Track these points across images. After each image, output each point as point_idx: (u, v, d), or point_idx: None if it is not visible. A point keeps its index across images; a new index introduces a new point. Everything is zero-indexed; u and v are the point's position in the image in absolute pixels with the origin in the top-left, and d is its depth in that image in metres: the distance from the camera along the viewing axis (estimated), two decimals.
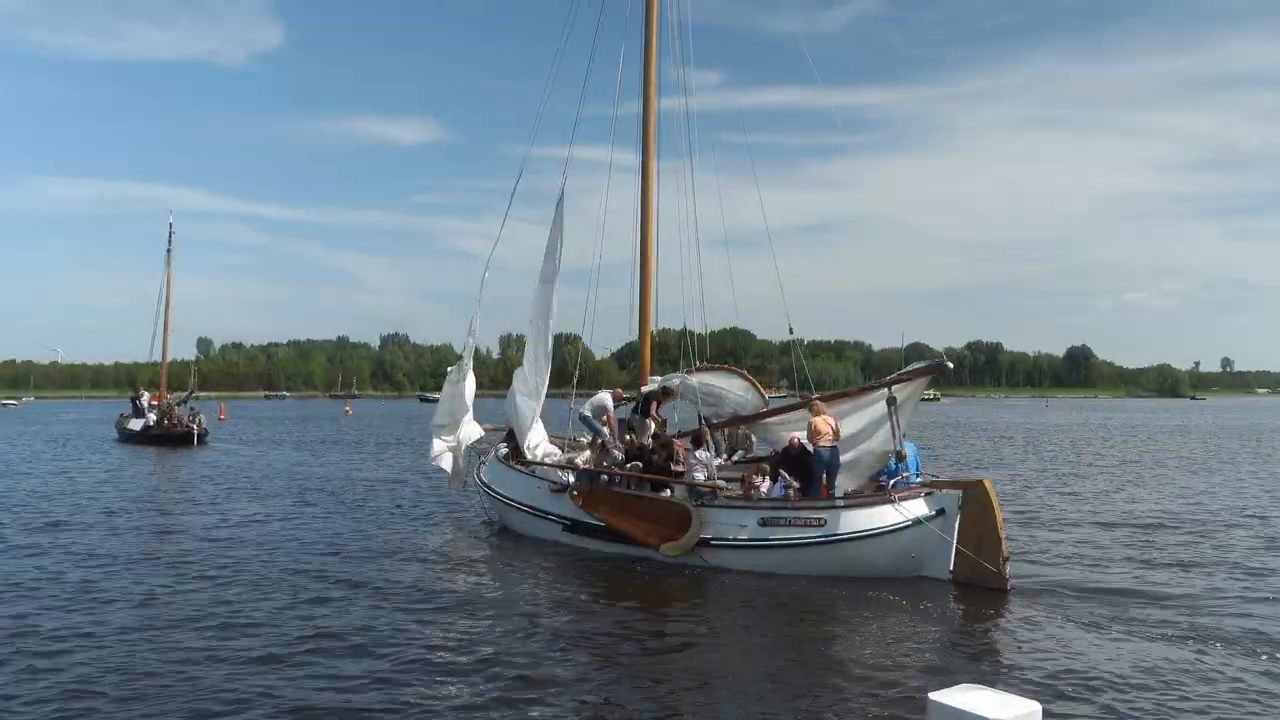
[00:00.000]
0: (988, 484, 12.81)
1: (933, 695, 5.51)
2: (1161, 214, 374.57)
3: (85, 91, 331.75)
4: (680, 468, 15.11)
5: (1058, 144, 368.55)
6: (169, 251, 49.93)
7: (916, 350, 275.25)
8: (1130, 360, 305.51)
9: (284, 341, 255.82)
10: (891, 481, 13.32)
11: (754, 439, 16.93)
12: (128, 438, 46.46)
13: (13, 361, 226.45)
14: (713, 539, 13.86)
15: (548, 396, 18.27)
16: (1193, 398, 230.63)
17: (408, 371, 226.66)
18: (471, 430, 19.75)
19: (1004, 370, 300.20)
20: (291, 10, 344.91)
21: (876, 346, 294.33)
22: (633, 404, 17.83)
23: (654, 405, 17.42)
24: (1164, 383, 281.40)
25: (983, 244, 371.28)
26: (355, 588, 12.96)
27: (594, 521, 15.32)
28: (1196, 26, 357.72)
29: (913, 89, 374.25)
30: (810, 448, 14.19)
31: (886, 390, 13.86)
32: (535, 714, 8.12)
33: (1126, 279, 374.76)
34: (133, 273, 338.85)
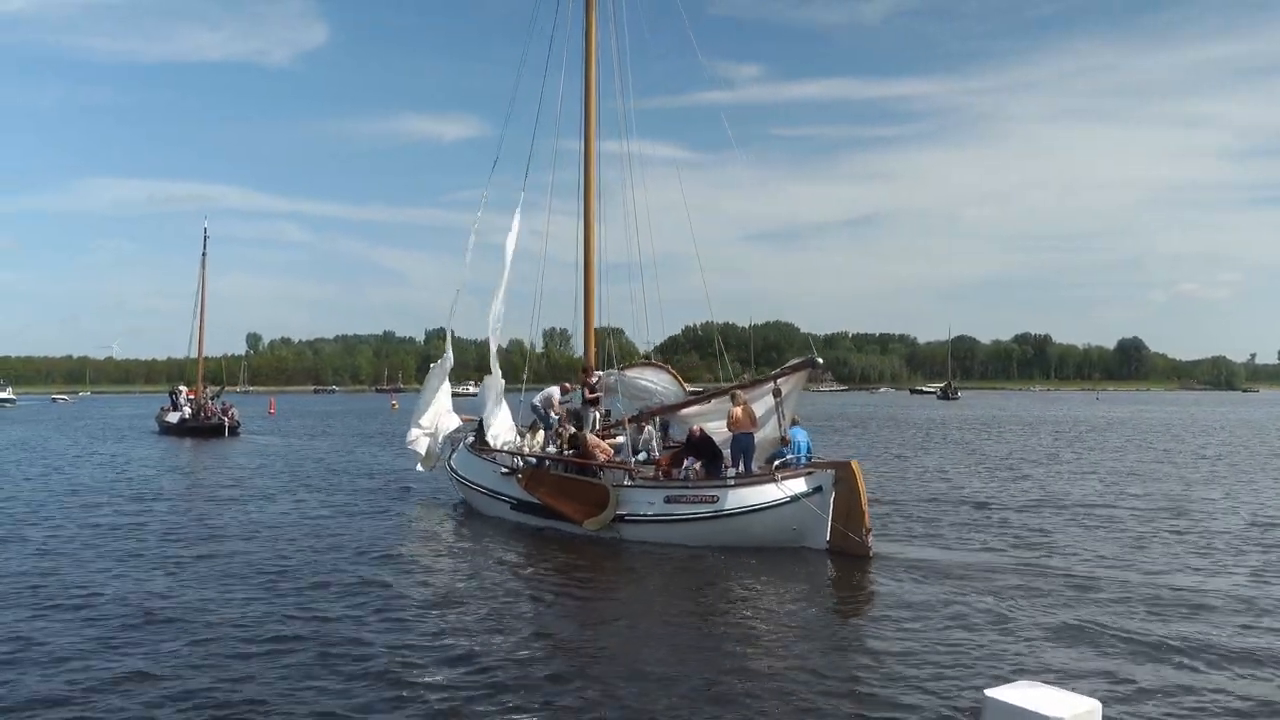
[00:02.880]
0: (854, 465, 14.43)
1: (989, 692, 5.34)
2: (1216, 203, 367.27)
3: (136, 94, 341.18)
4: (605, 456, 16.91)
5: (1107, 133, 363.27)
6: (204, 255, 52.93)
7: (963, 343, 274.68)
8: (1184, 353, 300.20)
9: (331, 337, 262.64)
10: (775, 463, 15.02)
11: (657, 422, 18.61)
12: (166, 430, 49.41)
13: (69, 358, 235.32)
14: (627, 515, 15.64)
15: (507, 390, 20.20)
16: (1245, 390, 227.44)
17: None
18: (449, 420, 21.73)
19: (1053, 363, 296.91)
20: (335, 10, 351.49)
21: (922, 340, 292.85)
22: (575, 394, 19.63)
23: (595, 396, 19.21)
24: (1218, 375, 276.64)
25: (1030, 235, 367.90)
26: (318, 552, 15.10)
27: (534, 500, 17.22)
28: (1248, 12, 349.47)
29: (956, 80, 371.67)
30: (726, 433, 15.98)
31: (773, 384, 15.55)
32: (466, 680, 9.00)
33: (1180, 269, 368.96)
34: (184, 271, 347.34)
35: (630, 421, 17.39)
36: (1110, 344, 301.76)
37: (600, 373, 19.25)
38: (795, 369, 15.74)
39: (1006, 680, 8.19)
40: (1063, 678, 8.38)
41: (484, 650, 9.75)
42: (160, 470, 29.62)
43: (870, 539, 14.09)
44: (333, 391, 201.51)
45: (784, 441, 15.29)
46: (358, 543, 15.95)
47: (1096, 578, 12.92)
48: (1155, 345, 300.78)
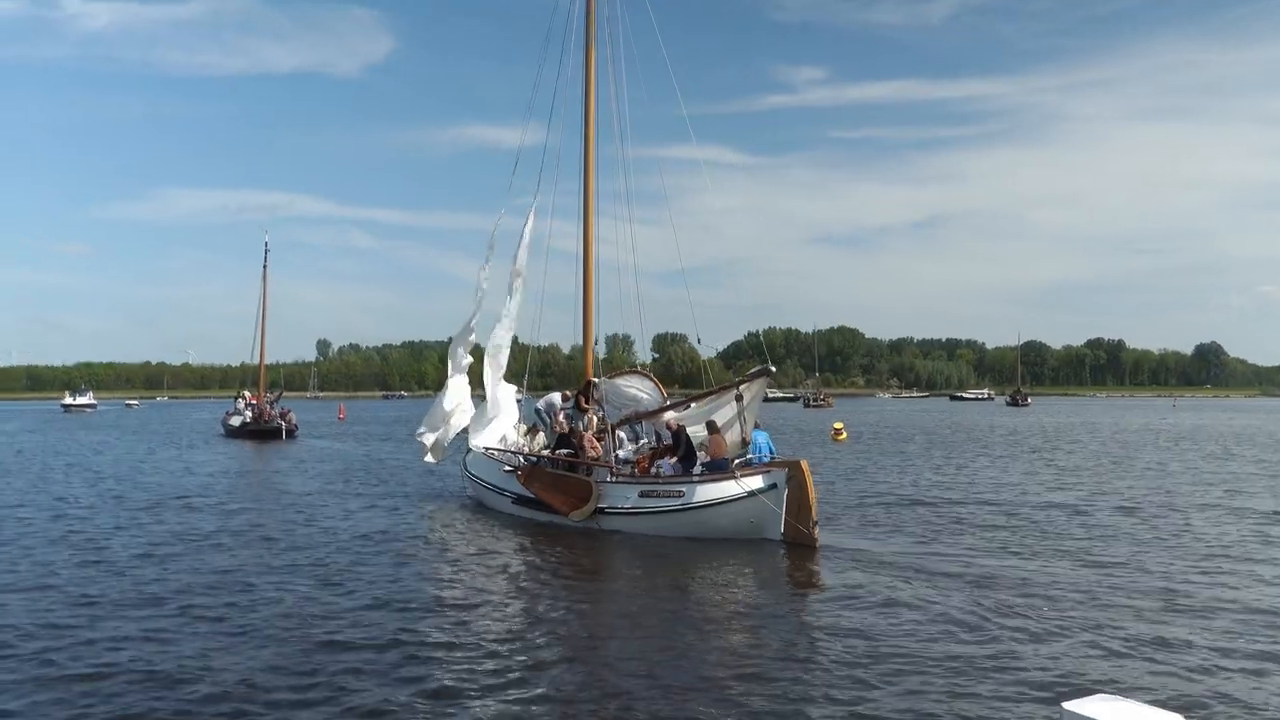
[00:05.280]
0: (804, 464, 15.77)
1: (1067, 705, 5.32)
2: None
3: (212, 106, 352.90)
4: (594, 452, 18.55)
5: (1184, 132, 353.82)
6: (265, 266, 56.00)
7: (1033, 349, 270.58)
8: (1265, 357, 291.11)
9: (398, 343, 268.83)
10: (736, 461, 16.50)
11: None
12: (230, 433, 52.61)
13: (148, 363, 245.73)
14: (607, 508, 17.26)
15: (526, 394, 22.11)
16: None
17: (516, 370, 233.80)
18: (461, 417, 23.50)
19: (1127, 369, 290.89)
20: (400, 22, 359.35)
21: (990, 345, 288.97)
22: (572, 400, 21.25)
23: (588, 401, 20.84)
24: None
25: (1104, 238, 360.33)
26: (335, 534, 17.05)
27: (530, 495, 18.94)
28: None
29: (1025, 79, 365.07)
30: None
31: (735, 390, 17.10)
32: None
33: (1260, 271, 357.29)
34: (257, 278, 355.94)
35: (614, 427, 18.99)
36: (1187, 349, 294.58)
37: (595, 380, 20.87)
38: (754, 377, 17.27)
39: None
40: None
41: (468, 629, 10.87)
42: (216, 470, 32.12)
43: (816, 531, 15.46)
44: (401, 397, 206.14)
45: (744, 442, 16.78)
46: (371, 532, 17.72)
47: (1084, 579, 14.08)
48: (1234, 350, 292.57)
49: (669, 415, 18.45)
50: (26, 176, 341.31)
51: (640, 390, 19.98)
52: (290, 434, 49.52)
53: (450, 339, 24.42)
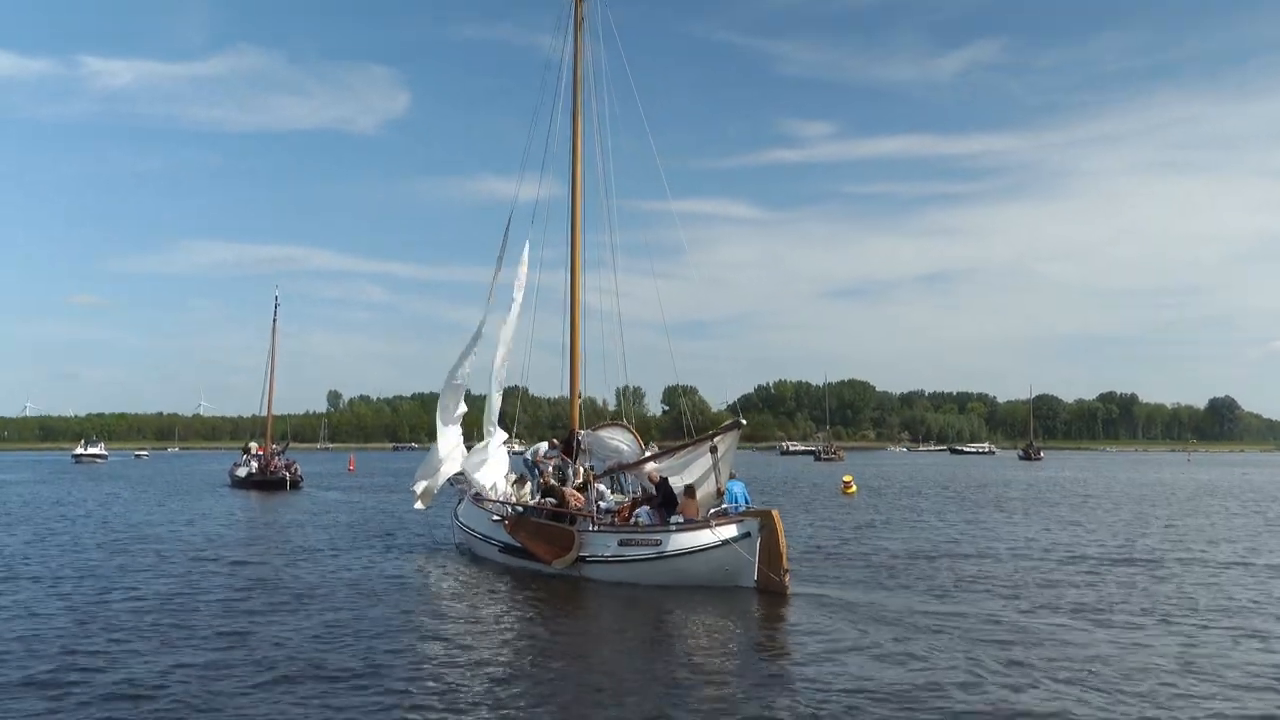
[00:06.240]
0: (775, 513, 16.24)
1: None
2: None
3: (231, 160, 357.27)
4: (577, 504, 19.05)
5: (1194, 186, 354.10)
6: (274, 321, 57.15)
7: (1045, 402, 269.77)
8: None
9: (409, 394, 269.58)
10: (711, 511, 17.01)
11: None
12: (236, 484, 53.25)
13: (160, 414, 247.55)
14: (588, 556, 17.72)
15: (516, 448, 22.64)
16: None
17: (526, 423, 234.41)
18: (451, 465, 24.06)
19: (1140, 423, 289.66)
20: (417, 79, 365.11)
21: (1001, 398, 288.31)
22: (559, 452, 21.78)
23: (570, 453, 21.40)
24: None
25: (1114, 291, 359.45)
26: (332, 583, 17.46)
27: (516, 543, 19.42)
28: None
29: (1033, 135, 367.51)
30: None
31: (710, 443, 17.68)
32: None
33: (1276, 325, 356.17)
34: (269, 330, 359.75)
35: (596, 478, 19.52)
36: (1200, 403, 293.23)
37: (581, 432, 21.45)
38: (727, 430, 17.84)
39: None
40: None
41: (452, 673, 11.24)
42: (221, 520, 32.72)
43: (788, 579, 15.87)
44: (411, 448, 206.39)
45: (719, 493, 17.33)
46: (362, 578, 18.28)
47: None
48: (1248, 404, 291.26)
49: (649, 466, 18.96)
50: (44, 230, 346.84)
51: (620, 442, 20.55)
52: (295, 485, 50.19)
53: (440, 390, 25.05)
